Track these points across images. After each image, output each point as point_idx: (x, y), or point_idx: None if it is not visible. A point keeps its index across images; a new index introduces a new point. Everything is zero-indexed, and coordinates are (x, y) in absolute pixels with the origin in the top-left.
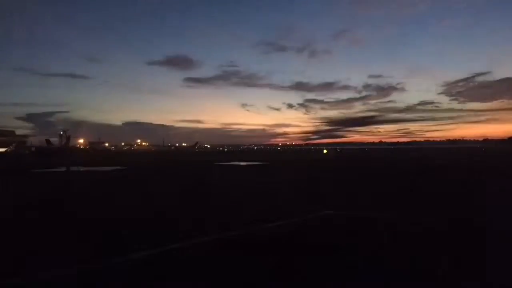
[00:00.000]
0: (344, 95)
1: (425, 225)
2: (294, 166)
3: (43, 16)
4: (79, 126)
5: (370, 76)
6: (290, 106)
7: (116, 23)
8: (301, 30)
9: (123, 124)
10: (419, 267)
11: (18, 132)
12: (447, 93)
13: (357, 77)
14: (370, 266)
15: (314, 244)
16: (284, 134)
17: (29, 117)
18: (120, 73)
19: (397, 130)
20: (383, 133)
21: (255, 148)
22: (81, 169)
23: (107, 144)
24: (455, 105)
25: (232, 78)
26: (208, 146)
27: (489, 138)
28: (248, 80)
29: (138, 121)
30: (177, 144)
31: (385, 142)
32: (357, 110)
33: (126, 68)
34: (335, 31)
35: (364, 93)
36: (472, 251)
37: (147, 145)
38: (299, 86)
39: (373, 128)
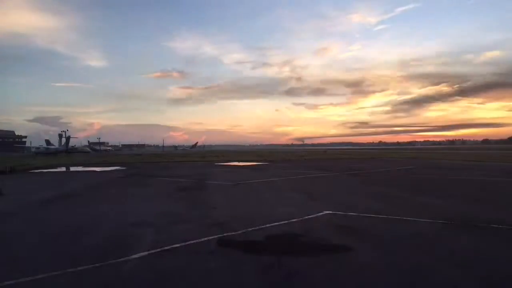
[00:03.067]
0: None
1: (422, 225)
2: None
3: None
4: (89, 127)
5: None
6: (278, 110)
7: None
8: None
9: (126, 125)
10: (419, 268)
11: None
12: None
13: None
14: (366, 267)
15: (312, 244)
16: (282, 135)
17: (37, 119)
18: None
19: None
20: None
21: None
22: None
23: (109, 147)
24: None
25: (224, 87)
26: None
27: (489, 139)
28: (238, 88)
29: (140, 123)
30: (177, 145)
31: (385, 143)
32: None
33: (128, 79)
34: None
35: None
36: None
37: (146, 145)
38: (289, 92)
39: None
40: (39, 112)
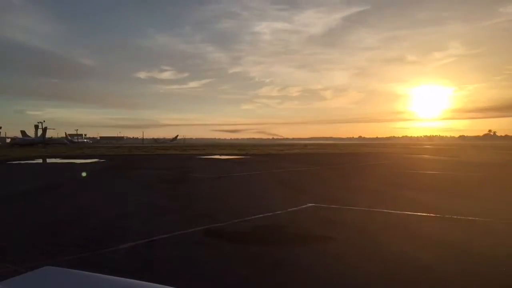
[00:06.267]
0: None
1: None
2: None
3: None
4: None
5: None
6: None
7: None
8: None
9: (108, 119)
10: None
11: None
12: None
13: None
14: (346, 255)
15: (297, 235)
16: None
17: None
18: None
19: None
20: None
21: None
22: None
23: (86, 139)
24: None
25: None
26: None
27: (466, 135)
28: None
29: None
30: (157, 138)
31: (365, 137)
32: None
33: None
34: None
35: None
36: None
37: (125, 137)
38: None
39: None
40: (20, 105)
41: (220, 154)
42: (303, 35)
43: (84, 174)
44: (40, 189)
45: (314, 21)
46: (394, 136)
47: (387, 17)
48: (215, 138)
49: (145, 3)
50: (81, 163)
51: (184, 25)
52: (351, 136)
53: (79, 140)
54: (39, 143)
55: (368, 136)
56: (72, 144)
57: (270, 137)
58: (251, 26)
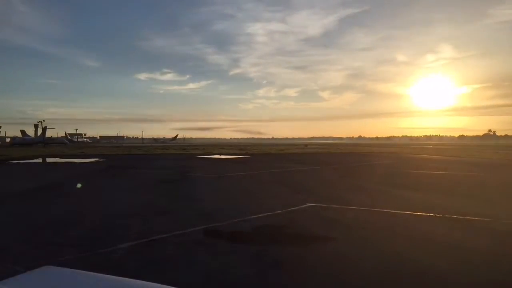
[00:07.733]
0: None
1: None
2: None
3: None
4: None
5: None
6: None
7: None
8: None
9: (107, 118)
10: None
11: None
12: None
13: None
14: (346, 255)
15: (295, 235)
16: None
17: (19, 112)
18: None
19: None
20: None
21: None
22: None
23: (86, 138)
24: None
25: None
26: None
27: (465, 135)
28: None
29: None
30: (156, 137)
31: (364, 137)
32: None
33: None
34: None
35: None
36: None
37: (125, 137)
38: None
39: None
40: (20, 105)
41: (220, 154)
42: (300, 36)
43: (83, 173)
44: (40, 188)
45: (310, 22)
46: (394, 136)
47: (384, 18)
48: (214, 138)
49: (146, 5)
50: (80, 163)
51: (184, 27)
52: (351, 136)
53: (78, 140)
54: (39, 143)
55: (368, 136)
56: (72, 144)
57: (270, 136)
58: (249, 28)
